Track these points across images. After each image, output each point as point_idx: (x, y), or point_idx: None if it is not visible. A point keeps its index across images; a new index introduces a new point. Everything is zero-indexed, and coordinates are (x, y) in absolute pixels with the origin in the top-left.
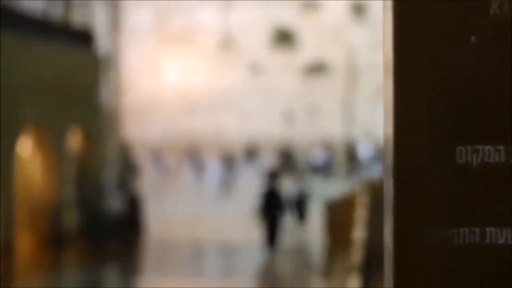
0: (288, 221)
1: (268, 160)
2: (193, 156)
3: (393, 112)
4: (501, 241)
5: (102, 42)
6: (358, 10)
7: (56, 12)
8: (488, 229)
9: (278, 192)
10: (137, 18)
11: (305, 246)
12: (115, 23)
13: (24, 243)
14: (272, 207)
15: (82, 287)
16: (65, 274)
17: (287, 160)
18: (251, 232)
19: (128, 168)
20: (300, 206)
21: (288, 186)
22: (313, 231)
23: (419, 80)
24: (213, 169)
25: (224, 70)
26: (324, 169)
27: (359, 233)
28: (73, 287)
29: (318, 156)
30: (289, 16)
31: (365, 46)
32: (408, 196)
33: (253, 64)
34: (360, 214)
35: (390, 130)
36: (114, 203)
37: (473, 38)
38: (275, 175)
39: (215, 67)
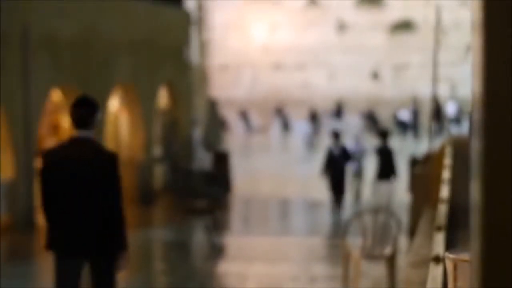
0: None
1: (355, 117)
2: (279, 113)
3: (481, 70)
4: None
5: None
6: None
7: None
8: None
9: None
10: None
11: (391, 203)
12: None
13: None
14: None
15: (169, 244)
16: (153, 231)
17: (374, 117)
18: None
19: (216, 125)
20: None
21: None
22: (399, 188)
23: (509, 38)
24: (300, 126)
25: (311, 27)
26: (411, 127)
27: (444, 191)
28: (161, 244)
29: (404, 114)
30: None
31: (453, 3)
32: (497, 154)
33: (340, 22)
34: (446, 172)
35: (478, 88)
36: (202, 160)
37: None
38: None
39: (302, 24)
